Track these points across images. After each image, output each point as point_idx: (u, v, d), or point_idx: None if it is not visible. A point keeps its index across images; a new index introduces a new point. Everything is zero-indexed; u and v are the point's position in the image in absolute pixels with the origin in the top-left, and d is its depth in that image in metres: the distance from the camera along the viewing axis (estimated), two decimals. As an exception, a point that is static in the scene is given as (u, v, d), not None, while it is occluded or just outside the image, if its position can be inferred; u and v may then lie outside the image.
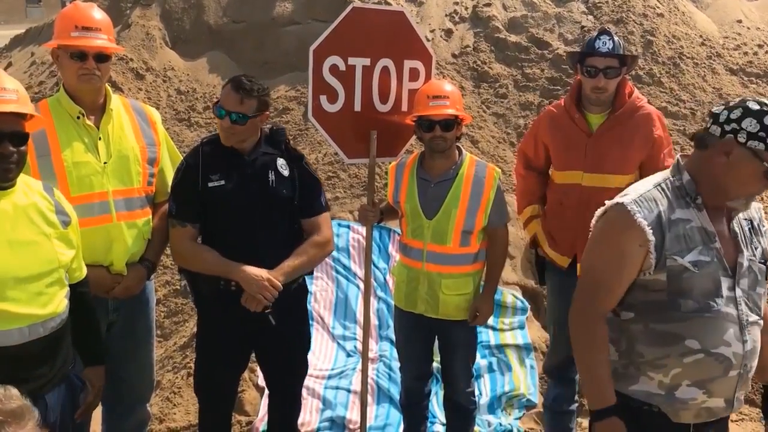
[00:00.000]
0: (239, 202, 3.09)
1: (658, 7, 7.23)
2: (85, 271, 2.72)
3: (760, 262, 2.35)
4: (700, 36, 7.18)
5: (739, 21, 7.52)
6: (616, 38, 3.39)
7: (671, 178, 2.33)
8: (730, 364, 2.27)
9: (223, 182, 3.07)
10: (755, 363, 2.35)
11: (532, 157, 3.73)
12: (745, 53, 7.09)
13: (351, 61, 3.59)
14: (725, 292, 2.27)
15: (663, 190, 2.31)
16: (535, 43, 7.01)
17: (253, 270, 2.99)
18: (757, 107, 2.16)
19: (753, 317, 2.31)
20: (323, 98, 3.58)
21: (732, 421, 4.47)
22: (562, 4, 7.31)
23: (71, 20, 2.98)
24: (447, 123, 3.34)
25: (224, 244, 3.07)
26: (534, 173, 3.75)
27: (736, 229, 2.33)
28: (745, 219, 2.38)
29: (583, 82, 3.45)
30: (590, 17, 7.14)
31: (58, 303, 2.45)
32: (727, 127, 2.18)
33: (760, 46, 7.14)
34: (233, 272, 3.01)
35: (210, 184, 3.07)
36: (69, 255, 2.51)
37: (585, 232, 3.43)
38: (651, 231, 2.22)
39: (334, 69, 3.57)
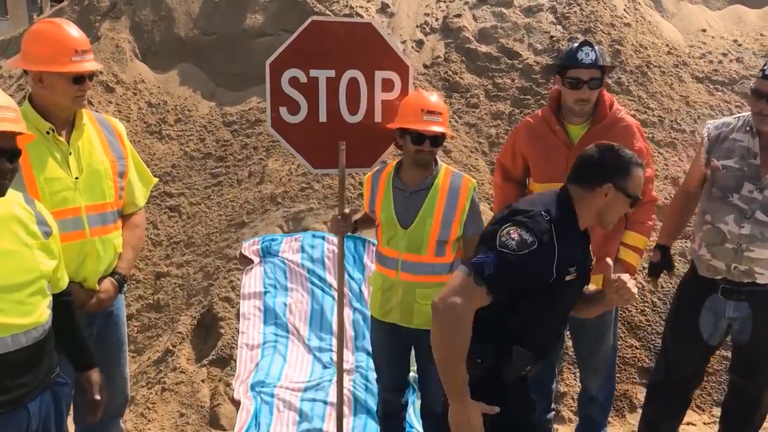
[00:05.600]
0: (576, 296, 2.70)
1: (625, 17, 7.33)
2: (67, 280, 2.74)
3: None
4: (667, 45, 7.30)
5: (704, 30, 7.66)
6: (597, 49, 3.38)
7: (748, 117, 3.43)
8: (725, 238, 3.38)
9: (575, 276, 2.54)
10: (757, 249, 3.32)
11: (510, 168, 3.73)
12: (710, 62, 7.21)
13: (313, 73, 3.62)
14: (744, 192, 3.34)
15: (738, 118, 3.50)
16: (505, 53, 7.07)
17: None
18: None
19: (763, 217, 3.30)
20: (283, 110, 3.62)
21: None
22: (531, 15, 7.38)
23: (69, 44, 2.94)
24: (437, 139, 3.37)
25: (537, 333, 2.60)
26: (512, 184, 3.75)
27: None
28: None
29: (566, 93, 3.42)
30: (559, 27, 7.22)
31: (41, 313, 2.46)
32: None
33: (724, 55, 7.27)
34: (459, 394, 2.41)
35: (567, 278, 2.50)
36: (50, 265, 2.53)
37: None
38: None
39: (294, 81, 3.61)
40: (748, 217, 3.33)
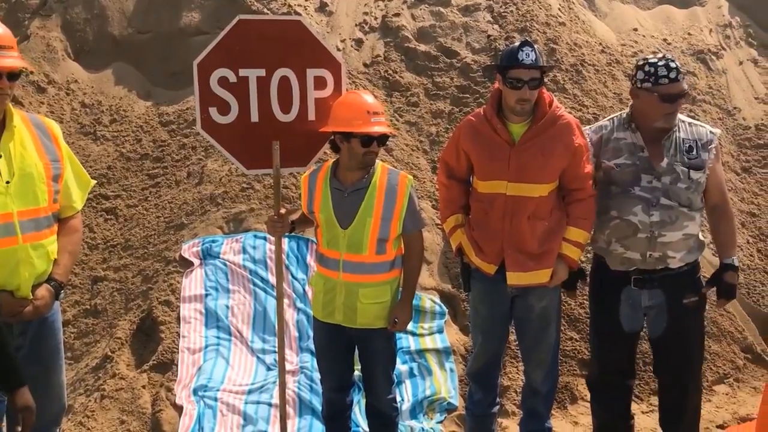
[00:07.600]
0: None
1: (559, 17, 7.48)
2: None
3: (684, 167, 3.47)
4: (600, 44, 7.48)
5: (635, 29, 7.88)
6: (536, 48, 3.42)
7: (622, 115, 3.65)
8: (637, 229, 3.47)
9: None
10: (668, 233, 3.45)
11: (454, 166, 3.74)
12: (642, 60, 7.44)
13: (243, 72, 3.58)
14: (644, 183, 3.47)
15: (611, 120, 3.69)
16: (444, 52, 7.13)
17: None
18: (641, 62, 3.51)
19: (668, 202, 3.45)
20: (213, 110, 3.57)
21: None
22: (469, 14, 7.46)
23: None
24: (383, 138, 3.42)
25: None
26: (456, 182, 3.76)
27: (667, 144, 3.49)
28: (689, 139, 3.52)
29: (507, 93, 3.44)
30: (496, 26, 7.32)
31: None
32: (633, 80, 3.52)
33: (654, 53, 7.50)
34: None
35: None
36: None
37: (510, 239, 3.53)
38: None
39: (223, 81, 3.56)
40: (654, 205, 3.46)
